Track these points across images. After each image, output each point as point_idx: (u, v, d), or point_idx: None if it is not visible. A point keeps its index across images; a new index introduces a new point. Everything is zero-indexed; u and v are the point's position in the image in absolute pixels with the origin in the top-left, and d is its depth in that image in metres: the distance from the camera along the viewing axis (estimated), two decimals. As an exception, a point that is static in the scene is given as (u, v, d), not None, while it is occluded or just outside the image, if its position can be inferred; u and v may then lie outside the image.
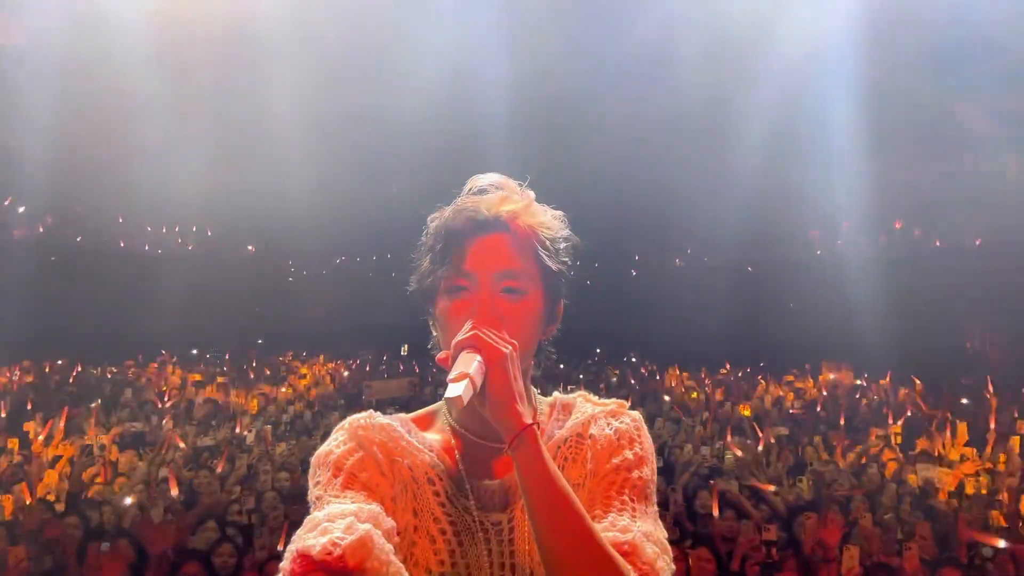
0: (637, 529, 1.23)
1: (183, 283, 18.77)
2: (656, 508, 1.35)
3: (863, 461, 7.86)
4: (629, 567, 1.16)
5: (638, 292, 22.79)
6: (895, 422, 9.85)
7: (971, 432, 8.64)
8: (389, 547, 1.15)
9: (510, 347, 1.22)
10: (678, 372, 16.03)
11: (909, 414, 10.68)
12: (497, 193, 1.39)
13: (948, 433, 8.67)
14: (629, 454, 1.35)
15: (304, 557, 1.08)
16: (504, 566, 1.31)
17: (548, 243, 1.38)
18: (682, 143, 17.53)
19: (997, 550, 4.97)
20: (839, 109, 15.82)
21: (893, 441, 9.07)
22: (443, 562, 1.29)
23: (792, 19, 14.73)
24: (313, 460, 1.35)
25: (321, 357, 18.77)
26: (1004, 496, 6.36)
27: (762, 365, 17.06)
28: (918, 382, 12.69)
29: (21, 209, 18.25)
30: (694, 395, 12.63)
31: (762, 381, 14.61)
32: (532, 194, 1.42)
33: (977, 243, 16.96)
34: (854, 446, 8.80)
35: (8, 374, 13.84)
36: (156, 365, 15.60)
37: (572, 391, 1.57)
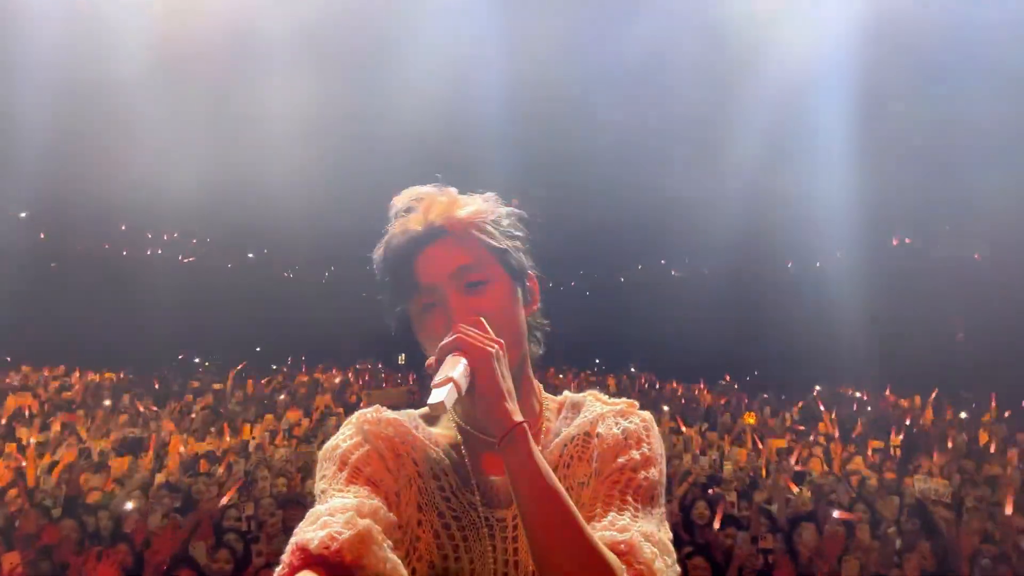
0: (636, 529, 1.21)
1: (182, 290, 18.77)
2: (663, 511, 1.32)
3: (864, 474, 7.84)
4: (623, 567, 1.14)
5: (637, 302, 22.79)
6: (894, 434, 9.84)
7: (970, 444, 8.63)
8: (389, 544, 1.14)
9: (495, 346, 1.21)
10: (677, 382, 16.02)
11: (908, 425, 10.68)
12: (420, 204, 1.38)
13: (949, 445, 8.66)
14: (636, 454, 1.33)
15: (303, 550, 1.08)
16: (508, 562, 1.31)
17: (489, 226, 1.37)
18: (680, 153, 17.60)
19: (997, 562, 4.95)
20: (835, 120, 15.89)
21: (892, 453, 9.07)
22: (447, 557, 1.29)
23: (788, 31, 14.82)
24: (320, 453, 1.35)
25: (319, 365, 18.73)
26: (1007, 508, 6.33)
27: (758, 375, 17.06)
28: (917, 396, 12.68)
29: (23, 215, 18.28)
30: (694, 405, 12.62)
31: (762, 393, 14.59)
32: (454, 190, 1.41)
33: (976, 256, 17.00)
34: (853, 457, 8.78)
35: (8, 379, 13.84)
36: (155, 371, 15.59)
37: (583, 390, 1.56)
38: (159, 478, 6.97)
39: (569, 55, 16.21)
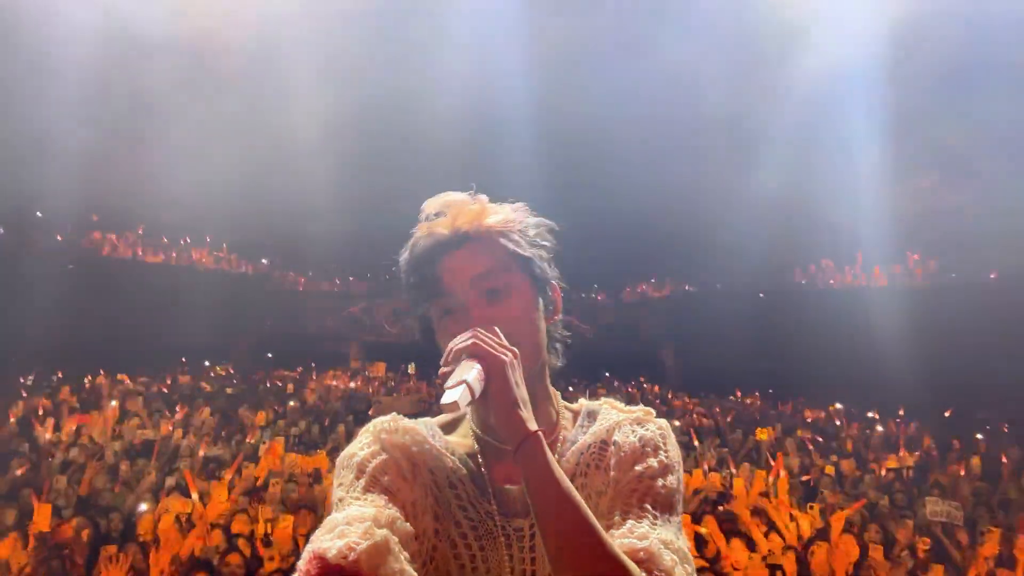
0: (655, 536, 1.21)
1: (196, 295, 18.86)
2: (681, 518, 1.32)
3: (871, 496, 7.76)
4: (642, 574, 1.14)
5: (649, 315, 22.73)
6: (907, 455, 9.75)
7: (985, 466, 8.54)
8: (405, 554, 1.15)
9: (510, 354, 1.21)
10: (688, 397, 15.93)
11: (922, 447, 10.58)
12: (450, 209, 1.39)
13: (962, 468, 8.57)
14: (653, 462, 1.33)
15: (320, 559, 1.09)
16: (525, 572, 1.30)
17: (515, 234, 1.38)
18: (697, 169, 17.58)
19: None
20: (859, 137, 15.77)
21: (905, 474, 8.98)
22: (464, 567, 1.29)
23: (813, 45, 14.78)
24: (338, 461, 1.35)
25: (330, 371, 18.75)
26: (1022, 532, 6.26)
27: (771, 392, 16.93)
28: (931, 415, 12.56)
29: (39, 214, 18.43)
30: (705, 420, 12.56)
31: (773, 410, 14.50)
32: (485, 198, 1.42)
33: (992, 276, 16.82)
34: (865, 476, 8.71)
35: (21, 381, 13.94)
36: (168, 375, 15.66)
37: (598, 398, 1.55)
38: (169, 481, 6.99)
39: (596, 64, 16.27)
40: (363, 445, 1.34)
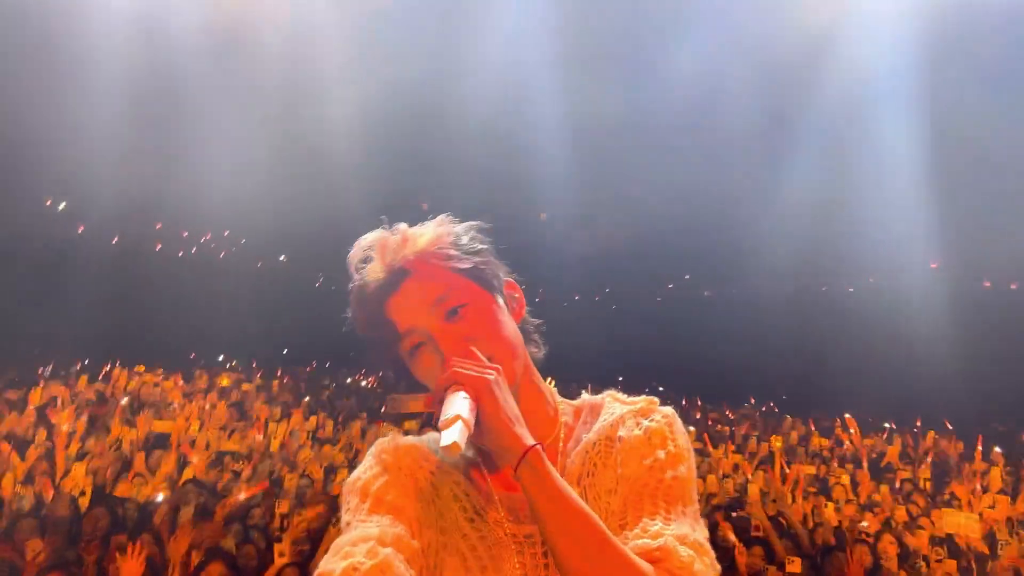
0: (669, 533, 1.19)
1: (214, 289, 19.00)
2: (696, 507, 1.29)
3: (887, 511, 7.68)
4: (660, 574, 1.13)
5: (664, 320, 22.64)
6: (925, 466, 9.66)
7: (1004, 479, 8.44)
8: (411, 572, 1.15)
9: (493, 372, 1.19)
10: (702, 403, 15.87)
11: (939, 458, 10.47)
12: (374, 251, 1.36)
13: (979, 480, 8.47)
14: (661, 454, 1.30)
15: None
16: None
17: (448, 249, 1.34)
18: (721, 175, 17.47)
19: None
20: (892, 140, 15.50)
21: (921, 485, 8.90)
22: None
23: (843, 51, 14.60)
24: (343, 487, 1.35)
25: (344, 368, 18.82)
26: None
27: (785, 399, 16.82)
28: (949, 426, 12.43)
29: (61, 206, 18.62)
30: (719, 427, 12.50)
31: (788, 417, 14.40)
32: (403, 226, 1.38)
33: (1013, 287, 16.63)
34: (880, 487, 8.63)
35: (40, 371, 14.08)
36: (185, 368, 15.78)
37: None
38: (186, 473, 7.04)
39: (622, 73, 16.18)
40: (365, 469, 1.35)
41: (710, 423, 13.51)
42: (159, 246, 20.96)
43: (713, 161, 16.99)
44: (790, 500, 7.38)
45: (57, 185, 17.63)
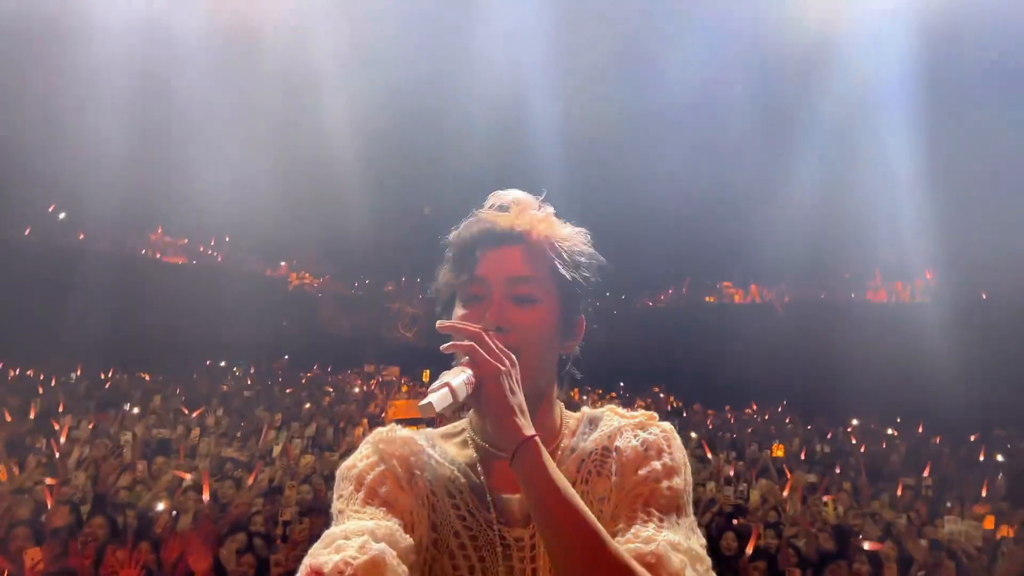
0: (662, 539, 1.19)
1: (214, 296, 19.02)
2: (692, 519, 1.29)
3: (889, 517, 7.65)
4: None
5: (665, 327, 22.64)
6: (927, 473, 9.63)
7: (1007, 486, 8.41)
8: (403, 568, 1.14)
9: (507, 361, 1.21)
10: (703, 408, 15.84)
11: (940, 464, 10.44)
12: (515, 207, 1.40)
13: (982, 486, 8.45)
14: (657, 465, 1.31)
15: (317, 574, 1.08)
16: None
17: (564, 255, 1.37)
18: (722, 181, 17.48)
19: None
20: (894, 143, 15.50)
21: (923, 492, 8.86)
22: None
23: (845, 52, 14.62)
24: (338, 472, 1.35)
25: (345, 374, 18.82)
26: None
27: (788, 405, 16.78)
28: (950, 433, 12.41)
29: (62, 216, 18.65)
30: (721, 433, 12.48)
31: (789, 423, 14.38)
32: (551, 209, 1.42)
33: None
34: (881, 494, 8.60)
35: (40, 377, 14.09)
36: (186, 374, 15.79)
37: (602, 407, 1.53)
38: (186, 481, 7.01)
39: (624, 76, 16.24)
40: (362, 457, 1.34)
41: (711, 428, 13.48)
42: (159, 254, 21.00)
43: (713, 162, 17.01)
44: (791, 507, 7.36)
45: (60, 194, 17.68)
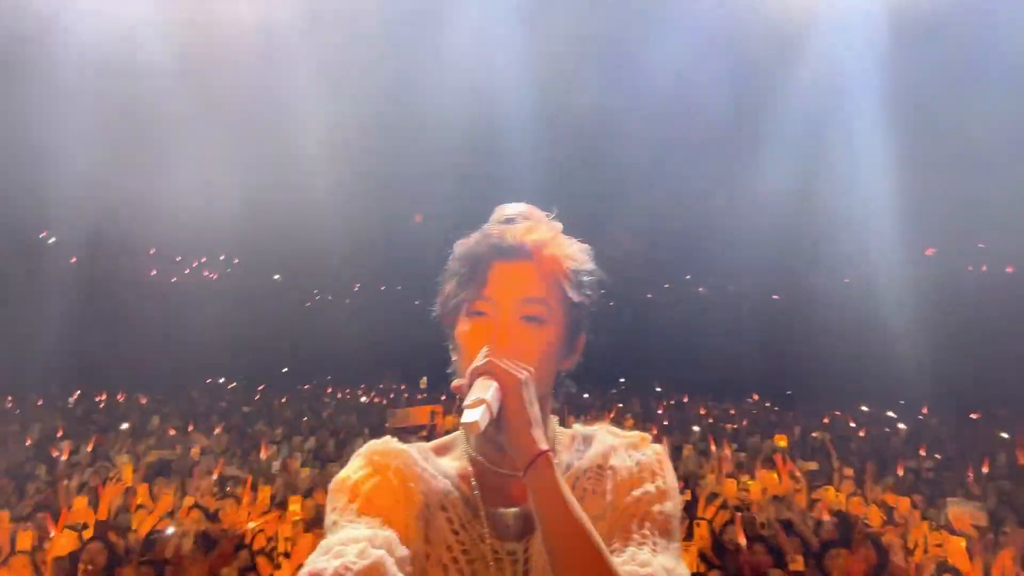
0: (658, 563, 1.21)
1: (210, 312, 18.97)
2: (679, 545, 1.31)
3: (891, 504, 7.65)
4: None
5: (662, 320, 22.60)
6: (928, 455, 9.66)
7: (1009, 466, 8.43)
8: (401, 575, 1.14)
9: (526, 372, 1.22)
10: (703, 401, 15.84)
11: (942, 446, 10.47)
12: (524, 223, 1.39)
13: (984, 466, 8.47)
14: (651, 487, 1.32)
15: None
16: None
17: (572, 275, 1.37)
18: (708, 169, 17.51)
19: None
20: (866, 132, 15.65)
21: (924, 475, 8.89)
22: None
23: (816, 43, 14.71)
24: (331, 485, 1.35)
25: (344, 386, 18.78)
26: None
27: (789, 394, 16.78)
28: (952, 415, 12.44)
29: (52, 240, 18.59)
30: (722, 424, 12.47)
31: (791, 412, 14.39)
32: (559, 226, 1.42)
33: (1009, 270, 16.64)
34: (882, 479, 8.62)
35: (39, 402, 14.04)
36: (183, 393, 15.75)
37: (594, 422, 1.56)
38: (187, 500, 7.00)
39: (595, 69, 16.24)
40: (356, 468, 1.34)
41: (712, 421, 13.48)
42: (153, 272, 20.94)
43: (689, 156, 17.07)
44: (793, 497, 7.37)
45: (46, 218, 17.61)
